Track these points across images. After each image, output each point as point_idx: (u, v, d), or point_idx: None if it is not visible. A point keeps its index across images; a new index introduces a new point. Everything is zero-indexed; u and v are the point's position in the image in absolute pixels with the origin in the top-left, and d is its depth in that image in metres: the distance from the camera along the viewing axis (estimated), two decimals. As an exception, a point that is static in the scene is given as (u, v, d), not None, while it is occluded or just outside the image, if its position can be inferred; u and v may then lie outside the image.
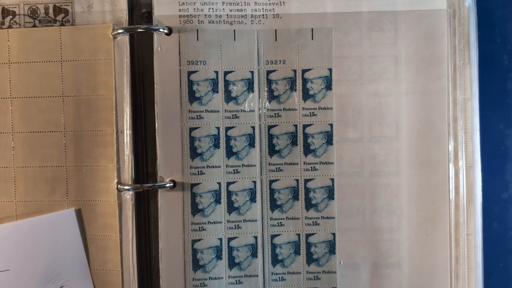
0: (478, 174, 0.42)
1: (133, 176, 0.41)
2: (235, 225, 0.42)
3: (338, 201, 0.42)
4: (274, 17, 0.42)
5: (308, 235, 0.42)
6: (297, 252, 0.42)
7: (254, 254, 0.42)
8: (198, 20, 0.41)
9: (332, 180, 0.42)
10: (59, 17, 0.42)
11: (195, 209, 0.42)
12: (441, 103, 0.41)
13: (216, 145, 0.42)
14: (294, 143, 0.42)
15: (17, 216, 0.41)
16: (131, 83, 0.41)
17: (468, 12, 0.42)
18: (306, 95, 0.42)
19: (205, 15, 0.41)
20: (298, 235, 0.42)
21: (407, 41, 0.42)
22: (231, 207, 0.42)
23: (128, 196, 0.41)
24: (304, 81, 0.42)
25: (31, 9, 0.42)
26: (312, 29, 0.42)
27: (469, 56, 0.42)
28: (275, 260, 0.42)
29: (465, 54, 0.42)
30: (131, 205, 0.41)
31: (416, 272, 0.42)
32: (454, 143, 0.42)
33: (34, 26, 0.42)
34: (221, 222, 0.42)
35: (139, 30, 0.41)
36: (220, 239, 0.42)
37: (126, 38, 0.41)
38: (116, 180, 0.41)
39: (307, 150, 0.42)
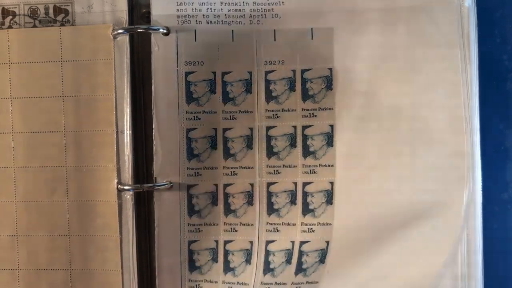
0: (478, 174, 0.42)
1: (133, 176, 0.41)
2: (231, 228, 0.42)
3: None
4: (273, 17, 0.41)
5: (302, 243, 0.42)
6: (288, 261, 0.42)
7: (248, 261, 0.42)
8: (196, 20, 0.41)
9: (332, 183, 0.42)
10: (59, 17, 0.42)
11: (192, 211, 0.42)
12: (441, 103, 0.41)
13: (213, 147, 0.42)
14: (293, 144, 0.41)
15: (17, 216, 0.42)
16: (131, 83, 0.41)
17: (468, 12, 0.41)
18: (305, 96, 0.41)
19: (203, 15, 0.41)
20: (292, 242, 0.42)
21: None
22: (228, 210, 0.42)
23: (128, 196, 0.41)
24: (304, 81, 0.41)
25: (31, 9, 0.42)
26: (311, 28, 0.41)
27: (469, 56, 0.41)
28: (267, 268, 0.42)
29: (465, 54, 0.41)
30: (131, 205, 0.41)
31: (417, 271, 0.41)
32: (454, 142, 0.41)
33: (34, 26, 0.42)
34: (217, 224, 0.42)
35: (139, 30, 0.41)
36: (216, 241, 0.42)
37: (126, 38, 0.41)
38: (116, 180, 0.41)
39: (307, 152, 0.42)
